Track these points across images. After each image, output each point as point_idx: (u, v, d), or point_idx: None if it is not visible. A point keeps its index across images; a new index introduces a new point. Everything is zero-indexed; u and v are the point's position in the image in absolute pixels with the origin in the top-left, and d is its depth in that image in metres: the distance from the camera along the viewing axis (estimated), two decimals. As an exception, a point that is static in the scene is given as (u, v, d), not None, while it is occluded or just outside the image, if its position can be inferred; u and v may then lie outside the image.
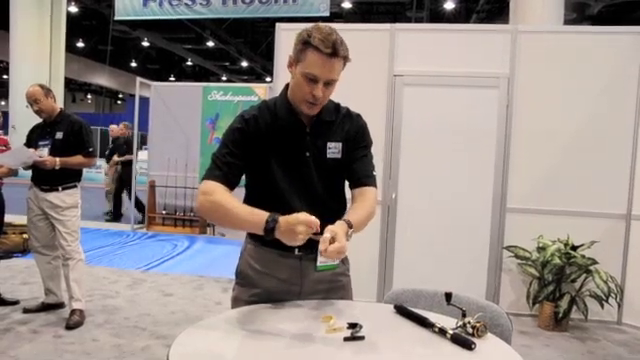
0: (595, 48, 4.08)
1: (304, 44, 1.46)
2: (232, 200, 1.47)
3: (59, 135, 3.59)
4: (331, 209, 1.56)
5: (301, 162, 1.56)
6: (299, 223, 1.31)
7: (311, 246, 1.59)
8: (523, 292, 4.06)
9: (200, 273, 5.32)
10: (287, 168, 1.56)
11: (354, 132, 1.63)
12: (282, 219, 1.34)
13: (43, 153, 3.54)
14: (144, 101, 8.83)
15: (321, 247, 1.30)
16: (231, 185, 1.52)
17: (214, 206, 1.47)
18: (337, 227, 1.35)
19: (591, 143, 4.08)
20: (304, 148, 1.57)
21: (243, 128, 1.55)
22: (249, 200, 1.55)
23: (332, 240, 1.30)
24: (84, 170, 3.82)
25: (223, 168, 1.51)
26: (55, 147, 3.57)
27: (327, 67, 1.45)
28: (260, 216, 1.38)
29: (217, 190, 1.48)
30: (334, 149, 1.59)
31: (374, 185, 1.63)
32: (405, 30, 4.35)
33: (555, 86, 4.12)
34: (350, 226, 1.40)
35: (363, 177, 1.61)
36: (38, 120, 3.75)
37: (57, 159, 3.50)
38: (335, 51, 1.43)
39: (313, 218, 1.32)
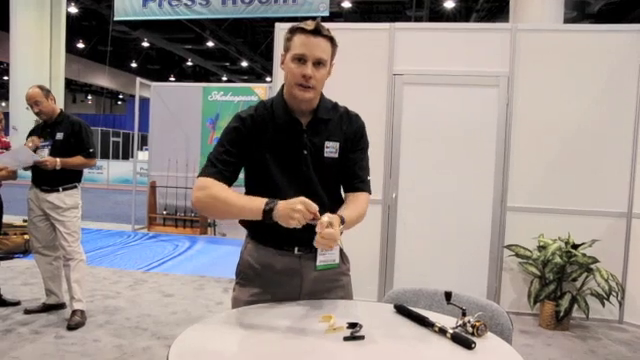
0: (595, 46, 4.08)
1: (290, 33, 1.53)
2: (228, 191, 1.49)
3: (59, 136, 3.60)
4: (328, 207, 1.56)
5: (298, 160, 1.57)
6: (300, 202, 1.35)
7: (311, 245, 1.60)
8: (524, 291, 4.06)
9: (201, 273, 5.33)
10: (284, 166, 1.56)
11: (352, 133, 1.64)
12: (281, 201, 1.38)
13: (43, 154, 3.55)
14: (144, 102, 8.84)
15: (318, 228, 1.33)
16: (227, 181, 1.52)
17: (211, 200, 1.48)
18: (333, 217, 1.38)
19: (591, 141, 4.07)
20: (301, 146, 1.57)
21: (239, 127, 1.56)
22: None
23: (329, 225, 1.34)
24: (86, 170, 3.82)
25: (218, 165, 1.52)
26: (55, 148, 3.58)
27: (312, 44, 1.49)
28: (259, 200, 1.42)
29: (212, 184, 1.49)
30: (332, 148, 1.59)
31: (368, 191, 1.65)
32: (405, 29, 4.35)
33: (555, 84, 4.11)
34: (342, 221, 1.43)
35: (358, 182, 1.63)
36: (39, 121, 3.76)
37: (58, 160, 3.50)
38: (318, 28, 1.49)
39: (313, 203, 1.36)
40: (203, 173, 1.52)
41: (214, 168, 1.51)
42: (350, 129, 1.64)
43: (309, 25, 1.49)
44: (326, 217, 1.35)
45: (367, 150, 1.68)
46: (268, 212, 1.38)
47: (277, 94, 1.63)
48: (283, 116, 1.57)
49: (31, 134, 3.77)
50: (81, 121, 3.75)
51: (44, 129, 3.69)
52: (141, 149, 16.44)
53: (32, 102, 3.58)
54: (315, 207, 1.35)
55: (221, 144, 1.56)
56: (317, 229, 1.33)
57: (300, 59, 1.50)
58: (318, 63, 1.51)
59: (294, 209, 1.34)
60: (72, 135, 3.62)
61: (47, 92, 3.65)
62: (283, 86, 1.61)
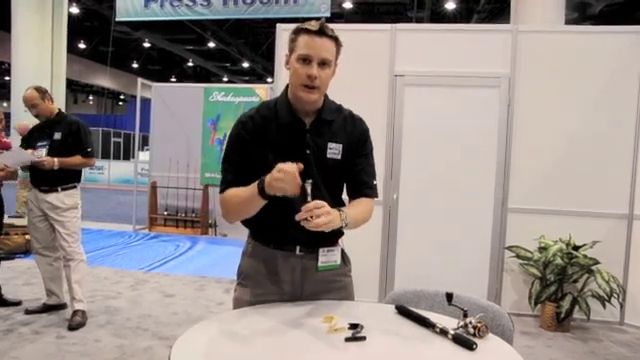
0: (596, 48, 4.08)
1: (295, 33, 1.54)
2: (235, 192, 1.54)
3: (57, 136, 3.60)
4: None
5: (301, 160, 1.56)
6: (280, 166, 1.37)
7: (312, 245, 1.59)
8: (525, 292, 4.05)
9: (202, 274, 5.33)
10: None
11: (357, 137, 1.64)
12: (268, 175, 1.40)
13: (41, 154, 3.54)
14: (146, 102, 8.85)
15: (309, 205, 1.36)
16: (240, 185, 1.55)
17: (230, 210, 1.57)
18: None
19: (592, 143, 4.07)
20: (304, 146, 1.57)
21: (240, 133, 1.58)
22: None
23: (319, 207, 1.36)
24: (87, 170, 3.83)
25: (229, 177, 1.58)
26: (53, 148, 3.57)
27: (317, 45, 1.50)
28: (254, 185, 1.45)
29: (224, 198, 1.57)
30: (334, 150, 1.59)
31: (375, 195, 1.65)
32: (406, 30, 4.35)
33: (556, 86, 4.11)
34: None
35: (365, 188, 1.64)
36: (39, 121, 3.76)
37: (55, 159, 3.50)
38: (322, 29, 1.50)
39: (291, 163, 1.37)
40: (221, 190, 1.60)
41: (225, 183, 1.59)
42: (355, 132, 1.64)
43: (313, 26, 1.50)
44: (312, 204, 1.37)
45: (372, 154, 1.69)
46: (262, 189, 1.41)
47: (281, 94, 1.63)
48: (286, 116, 1.58)
49: (30, 134, 3.77)
50: (79, 121, 3.75)
51: (42, 129, 3.69)
52: (142, 149, 16.43)
53: (29, 105, 3.58)
54: (294, 166, 1.36)
55: (227, 154, 1.61)
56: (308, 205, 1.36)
57: (305, 59, 1.50)
58: (323, 63, 1.51)
59: (275, 171, 1.36)
60: (70, 135, 3.62)
61: (44, 93, 3.63)
62: (287, 86, 1.61)
